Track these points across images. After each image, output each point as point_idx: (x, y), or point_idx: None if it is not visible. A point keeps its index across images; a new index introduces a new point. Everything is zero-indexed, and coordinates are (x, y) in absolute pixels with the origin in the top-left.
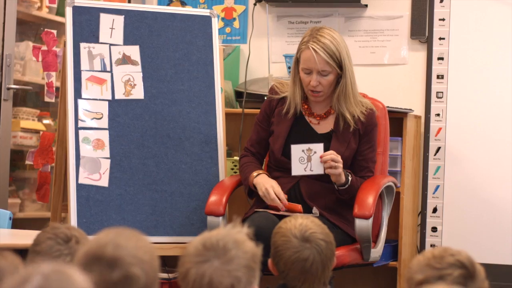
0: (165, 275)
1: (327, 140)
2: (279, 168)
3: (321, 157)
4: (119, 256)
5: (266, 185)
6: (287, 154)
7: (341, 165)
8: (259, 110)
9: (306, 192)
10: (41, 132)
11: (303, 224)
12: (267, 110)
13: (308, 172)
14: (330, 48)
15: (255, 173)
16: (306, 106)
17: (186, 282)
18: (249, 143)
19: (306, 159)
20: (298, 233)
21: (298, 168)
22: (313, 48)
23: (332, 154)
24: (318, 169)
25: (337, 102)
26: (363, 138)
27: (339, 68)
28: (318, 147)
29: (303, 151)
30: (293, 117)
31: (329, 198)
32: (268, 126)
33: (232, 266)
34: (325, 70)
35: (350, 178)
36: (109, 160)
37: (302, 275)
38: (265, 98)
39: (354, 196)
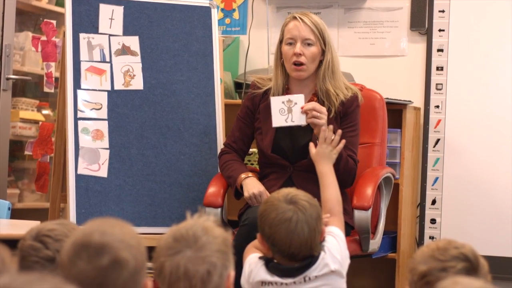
0: None
1: (311, 129)
2: (270, 165)
3: (302, 107)
4: (106, 242)
5: (254, 190)
6: (276, 151)
7: (325, 116)
8: None
9: (299, 184)
10: (40, 123)
11: (286, 191)
12: (250, 106)
13: (289, 123)
14: (315, 20)
15: (243, 175)
16: None
17: (163, 276)
18: (231, 139)
19: (287, 110)
20: (282, 197)
21: (278, 120)
22: (299, 17)
23: (314, 103)
24: (299, 120)
25: (323, 80)
26: (343, 119)
27: (323, 42)
28: (299, 98)
29: (283, 102)
30: None
31: None
32: (252, 122)
33: (205, 252)
34: (309, 39)
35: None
36: (108, 151)
37: (288, 237)
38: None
39: (347, 180)
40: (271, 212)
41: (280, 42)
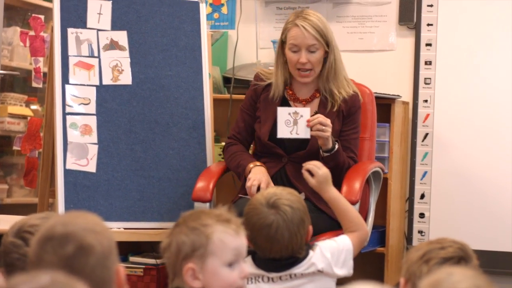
0: (152, 261)
1: None
2: (265, 154)
3: (308, 121)
4: (69, 232)
5: (254, 181)
6: (273, 139)
7: (329, 129)
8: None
9: (292, 175)
10: (28, 118)
11: (272, 192)
12: (253, 97)
13: (294, 136)
14: (317, 24)
15: (251, 165)
16: (290, 92)
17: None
18: (236, 130)
19: (292, 122)
20: (264, 200)
21: (283, 131)
22: (301, 25)
23: (320, 117)
24: (304, 133)
25: (326, 81)
26: (346, 119)
27: (326, 45)
28: (305, 111)
29: (289, 114)
30: (279, 102)
31: None
32: (254, 113)
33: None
34: (314, 45)
35: (337, 146)
36: (96, 146)
37: (268, 243)
38: (250, 83)
39: (340, 173)
40: (253, 216)
41: (282, 42)
